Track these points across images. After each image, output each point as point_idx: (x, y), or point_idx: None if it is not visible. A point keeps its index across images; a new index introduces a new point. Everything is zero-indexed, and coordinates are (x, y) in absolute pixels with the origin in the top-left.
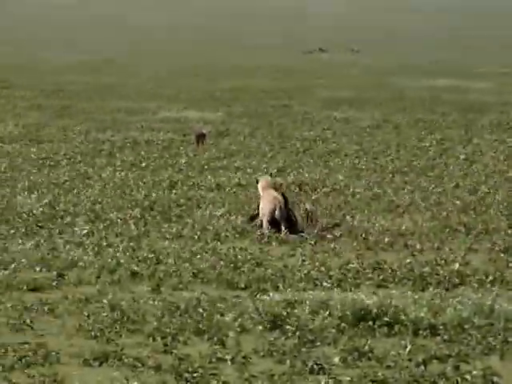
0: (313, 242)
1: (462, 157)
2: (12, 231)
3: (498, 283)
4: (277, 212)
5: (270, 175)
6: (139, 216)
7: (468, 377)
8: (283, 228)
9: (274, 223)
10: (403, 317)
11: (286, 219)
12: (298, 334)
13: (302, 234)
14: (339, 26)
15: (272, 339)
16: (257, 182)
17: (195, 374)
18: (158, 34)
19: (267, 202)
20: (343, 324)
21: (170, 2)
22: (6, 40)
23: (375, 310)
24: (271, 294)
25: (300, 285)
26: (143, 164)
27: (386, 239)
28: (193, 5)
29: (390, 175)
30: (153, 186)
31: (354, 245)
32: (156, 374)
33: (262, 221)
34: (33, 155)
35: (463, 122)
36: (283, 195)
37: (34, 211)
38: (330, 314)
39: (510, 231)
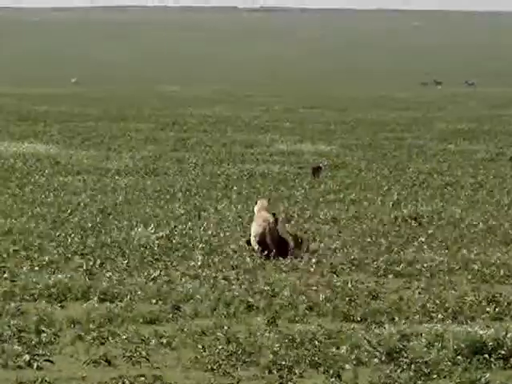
0: (429, 275)
1: None
2: (128, 264)
3: None
4: (267, 235)
5: (269, 200)
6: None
7: None
8: (271, 250)
9: (263, 245)
10: None
11: (276, 242)
12: (413, 366)
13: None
14: (452, 58)
15: (388, 372)
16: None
17: None
18: (279, 65)
19: (257, 225)
20: (458, 357)
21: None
22: (123, 74)
23: (491, 343)
24: (387, 327)
25: (415, 317)
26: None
27: (502, 272)
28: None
29: (506, 208)
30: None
31: (469, 277)
32: None
33: (251, 242)
34: (148, 188)
35: None
36: (275, 219)
37: (150, 244)
38: (445, 347)
39: None
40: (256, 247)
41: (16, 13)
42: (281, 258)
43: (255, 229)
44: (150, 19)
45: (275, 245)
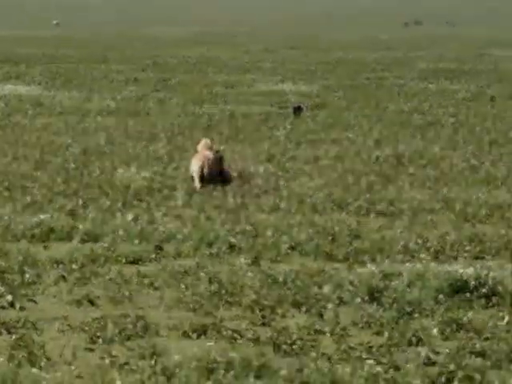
0: (410, 214)
1: None
2: (111, 204)
3: None
4: (204, 169)
5: (212, 140)
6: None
7: None
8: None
9: (203, 179)
10: (501, 288)
11: (214, 175)
12: (395, 305)
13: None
14: None
15: (370, 311)
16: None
17: (294, 346)
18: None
19: (197, 161)
20: (440, 296)
21: None
22: (109, 19)
23: (473, 282)
24: (369, 266)
25: (397, 257)
26: (240, 137)
27: (484, 211)
28: None
29: (487, 147)
30: (250, 159)
31: (451, 217)
32: (254, 346)
33: (192, 177)
34: (131, 128)
35: None
36: (220, 156)
37: (133, 184)
38: (426, 286)
39: None
40: (196, 180)
41: None
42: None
43: (194, 164)
44: None
45: (213, 178)
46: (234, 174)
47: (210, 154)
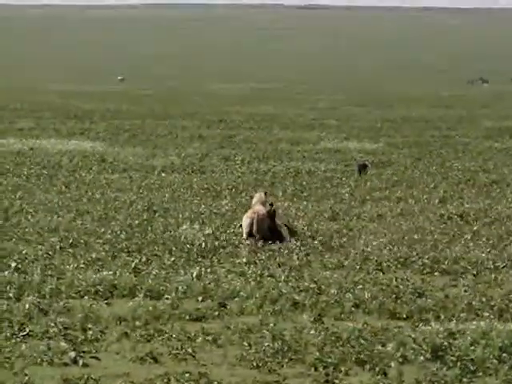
0: (475, 273)
1: None
2: (175, 261)
3: None
4: (254, 226)
5: (265, 193)
6: (301, 246)
7: None
8: (257, 239)
9: (251, 235)
10: None
11: (263, 231)
12: (459, 364)
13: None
14: (499, 55)
15: (434, 369)
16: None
17: None
18: (320, 61)
19: (246, 217)
20: (504, 354)
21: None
22: (170, 72)
23: None
24: (433, 325)
25: (461, 315)
26: (305, 194)
27: None
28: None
29: None
30: (314, 217)
31: None
32: None
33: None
34: (195, 185)
35: None
36: (274, 210)
37: (197, 241)
38: (490, 345)
39: None
40: (245, 236)
41: (61, 9)
42: (272, 243)
43: (244, 220)
44: (198, 16)
45: (263, 234)
46: (294, 230)
47: (261, 209)
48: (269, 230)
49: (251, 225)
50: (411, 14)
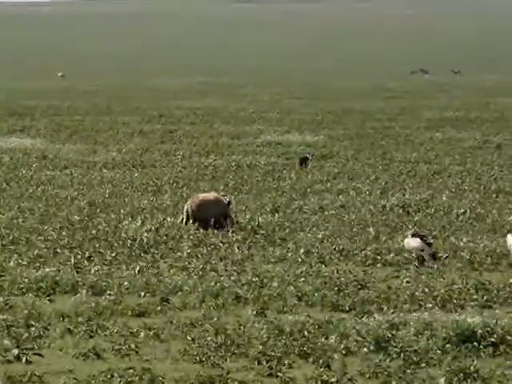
0: (417, 264)
1: None
2: (117, 257)
3: None
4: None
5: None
6: (242, 239)
7: None
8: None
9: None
10: (509, 337)
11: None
12: (402, 355)
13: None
14: (439, 46)
15: (377, 361)
16: None
17: None
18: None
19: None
20: (448, 345)
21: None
22: (111, 67)
23: (480, 331)
24: (376, 316)
25: (404, 306)
26: (246, 188)
27: (490, 259)
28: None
29: (494, 195)
30: (256, 210)
31: (458, 265)
32: None
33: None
34: (136, 180)
35: None
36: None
37: (138, 237)
38: (434, 335)
39: None
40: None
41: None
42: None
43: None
44: (135, 10)
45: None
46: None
47: (200, 196)
48: (206, 217)
49: (187, 211)
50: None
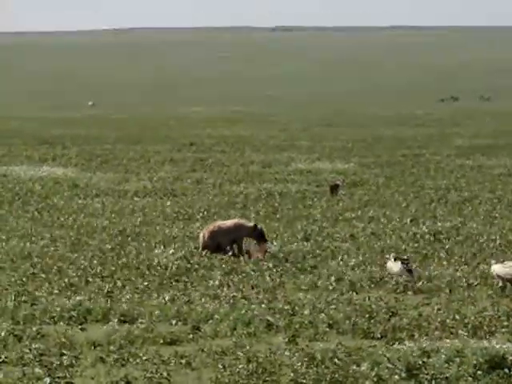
0: (448, 291)
1: None
2: (148, 285)
3: None
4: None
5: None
6: (273, 267)
7: None
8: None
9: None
10: None
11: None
12: (433, 382)
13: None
14: (467, 73)
15: None
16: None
17: None
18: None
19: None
20: (478, 372)
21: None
22: (140, 97)
23: (510, 358)
24: (407, 343)
25: (435, 333)
26: (277, 216)
27: None
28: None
29: None
30: (287, 238)
31: (488, 292)
32: None
33: None
34: (167, 209)
35: None
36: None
37: (170, 265)
38: (464, 362)
39: None
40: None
41: (35, 36)
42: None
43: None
44: (161, 40)
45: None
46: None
47: (217, 223)
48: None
49: (202, 237)
50: (375, 34)
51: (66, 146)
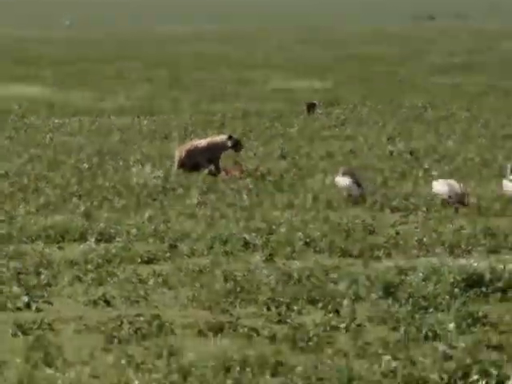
0: (425, 209)
1: None
2: (126, 204)
3: None
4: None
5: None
6: (251, 186)
7: None
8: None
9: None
10: None
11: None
12: (410, 300)
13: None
14: None
15: (386, 306)
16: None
17: (310, 343)
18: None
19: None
20: (456, 290)
21: None
22: (123, 14)
23: (488, 276)
24: (384, 262)
25: (412, 251)
26: (254, 134)
27: (498, 205)
28: None
29: (500, 141)
30: (264, 156)
31: (465, 211)
32: (271, 343)
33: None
34: (144, 128)
35: None
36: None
37: (147, 184)
38: (442, 280)
39: None
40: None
41: None
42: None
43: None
44: None
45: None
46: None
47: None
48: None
49: (179, 156)
50: None
51: (42, 65)
